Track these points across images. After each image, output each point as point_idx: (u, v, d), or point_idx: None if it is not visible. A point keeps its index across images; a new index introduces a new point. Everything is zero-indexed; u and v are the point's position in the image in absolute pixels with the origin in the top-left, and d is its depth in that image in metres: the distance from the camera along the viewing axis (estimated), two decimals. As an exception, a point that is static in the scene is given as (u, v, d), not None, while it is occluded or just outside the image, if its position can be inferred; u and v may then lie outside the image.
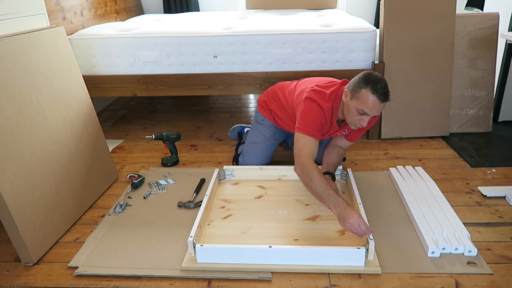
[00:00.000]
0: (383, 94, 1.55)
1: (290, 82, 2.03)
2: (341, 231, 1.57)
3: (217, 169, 1.99)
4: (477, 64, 2.50)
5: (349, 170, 1.95)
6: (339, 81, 1.81)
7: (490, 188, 1.88)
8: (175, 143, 2.27)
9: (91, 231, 1.67)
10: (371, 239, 1.39)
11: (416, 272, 1.39)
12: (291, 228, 1.61)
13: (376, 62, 2.40)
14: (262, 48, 2.36)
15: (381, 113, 2.43)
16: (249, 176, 2.00)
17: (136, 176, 2.07)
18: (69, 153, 1.76)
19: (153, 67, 2.44)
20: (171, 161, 2.25)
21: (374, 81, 1.56)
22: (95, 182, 1.92)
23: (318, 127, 1.69)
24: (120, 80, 2.46)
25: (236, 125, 2.49)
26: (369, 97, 1.55)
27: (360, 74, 1.63)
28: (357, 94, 1.59)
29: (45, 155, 1.62)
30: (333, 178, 1.84)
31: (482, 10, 3.07)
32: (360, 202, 1.65)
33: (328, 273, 1.39)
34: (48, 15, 2.27)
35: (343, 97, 1.69)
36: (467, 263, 1.41)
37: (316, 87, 1.76)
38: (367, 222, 1.45)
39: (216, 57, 2.39)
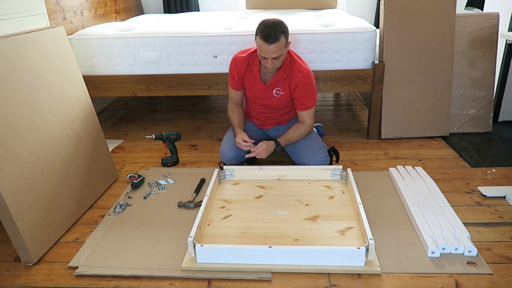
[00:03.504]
0: (266, 36, 1.74)
1: None
2: (341, 231, 1.58)
3: (217, 169, 1.99)
4: (477, 64, 2.50)
5: (349, 170, 1.95)
6: None
7: (490, 188, 1.88)
8: (175, 143, 2.27)
9: (91, 231, 1.67)
10: (371, 239, 1.39)
11: (416, 272, 1.39)
12: (291, 228, 1.61)
13: (376, 62, 2.40)
14: (262, 48, 2.36)
15: (381, 113, 2.45)
16: (249, 176, 2.00)
17: (136, 176, 2.07)
18: (69, 153, 1.76)
19: (153, 67, 2.44)
20: (171, 161, 2.25)
21: (261, 27, 1.78)
22: (95, 182, 1.92)
23: (231, 77, 2.06)
24: (120, 80, 2.46)
25: None
26: (259, 41, 1.79)
27: None
28: (256, 40, 1.83)
29: (45, 155, 1.62)
30: (276, 144, 2.00)
31: (482, 10, 3.07)
32: (360, 202, 1.65)
33: (328, 273, 1.39)
34: (48, 15, 2.27)
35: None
36: (467, 263, 1.41)
37: None
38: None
39: (216, 57, 2.39)
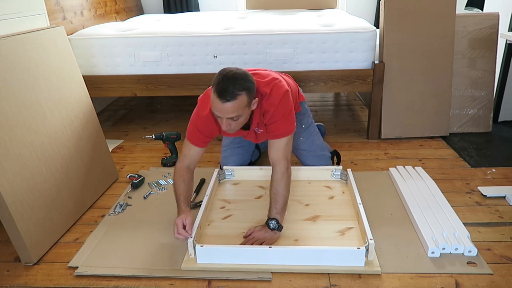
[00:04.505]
0: (222, 91, 1.37)
1: None
2: (341, 231, 1.58)
3: (217, 169, 1.99)
4: (477, 64, 2.50)
5: (349, 170, 1.95)
6: (265, 74, 1.63)
7: (490, 188, 1.88)
8: (175, 143, 2.27)
9: (91, 231, 1.67)
10: (371, 239, 1.39)
11: (416, 272, 1.39)
12: (291, 228, 1.61)
13: (376, 62, 2.40)
14: (262, 48, 2.36)
15: (381, 113, 2.44)
16: (249, 176, 2.00)
17: (136, 176, 2.07)
18: (69, 153, 1.76)
19: (153, 67, 2.44)
20: (171, 161, 2.25)
21: (218, 78, 1.40)
22: (95, 182, 1.92)
23: (195, 133, 1.62)
24: (120, 80, 2.46)
25: None
26: (212, 95, 1.41)
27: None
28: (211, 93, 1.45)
29: (45, 155, 1.62)
30: (270, 227, 1.50)
31: (482, 10, 3.07)
32: (360, 202, 1.65)
33: (328, 273, 1.39)
34: (48, 15, 2.27)
35: None
36: (467, 263, 1.41)
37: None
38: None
39: (216, 57, 2.39)
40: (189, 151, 1.65)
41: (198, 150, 1.66)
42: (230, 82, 1.38)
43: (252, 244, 1.48)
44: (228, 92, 1.37)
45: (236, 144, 2.07)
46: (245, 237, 1.54)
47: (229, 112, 1.42)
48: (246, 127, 1.65)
